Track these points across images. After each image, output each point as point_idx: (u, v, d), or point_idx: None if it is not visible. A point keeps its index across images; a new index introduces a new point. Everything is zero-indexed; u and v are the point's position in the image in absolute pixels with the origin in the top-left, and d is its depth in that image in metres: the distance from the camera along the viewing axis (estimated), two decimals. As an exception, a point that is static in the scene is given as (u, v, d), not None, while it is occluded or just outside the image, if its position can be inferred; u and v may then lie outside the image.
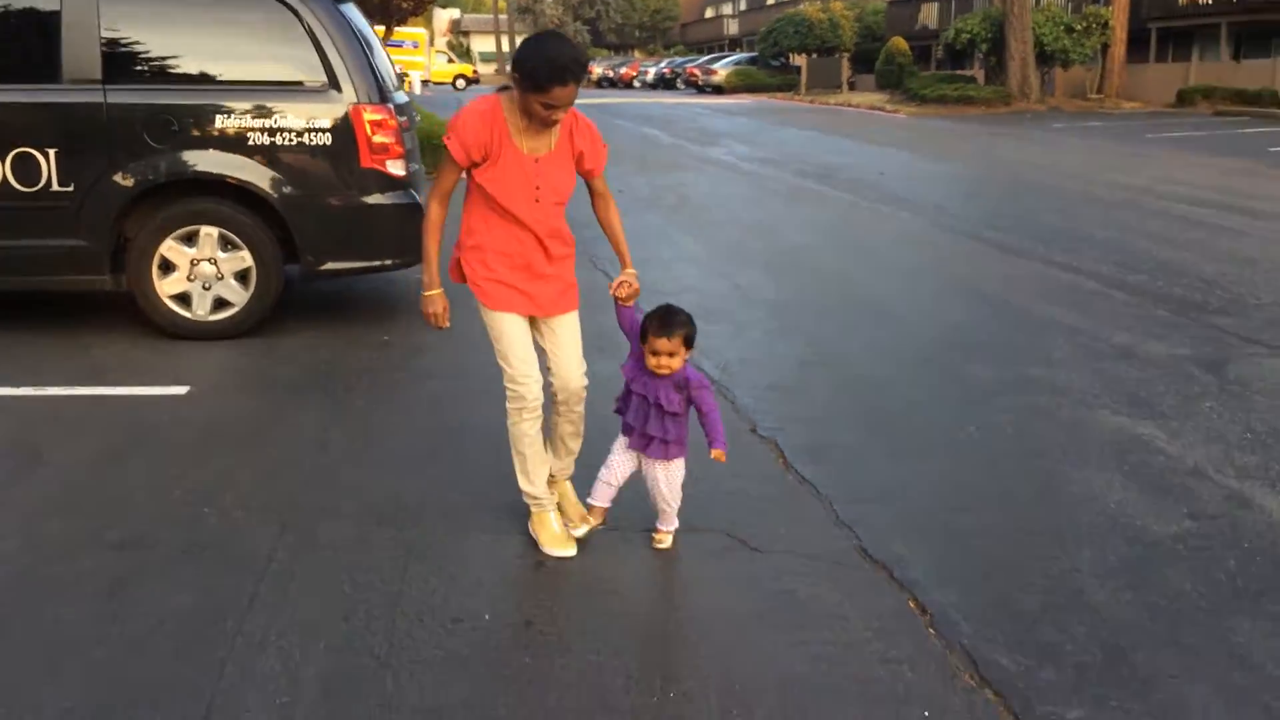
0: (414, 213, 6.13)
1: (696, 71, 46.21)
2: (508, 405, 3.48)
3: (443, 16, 79.36)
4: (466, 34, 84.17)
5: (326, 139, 5.82)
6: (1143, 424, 4.83)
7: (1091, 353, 5.93)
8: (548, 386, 3.50)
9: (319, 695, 2.74)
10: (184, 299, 5.86)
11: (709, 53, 58.22)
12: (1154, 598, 3.31)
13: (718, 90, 42.92)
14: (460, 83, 49.15)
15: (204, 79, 5.76)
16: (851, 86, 40.50)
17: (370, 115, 5.86)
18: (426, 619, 3.12)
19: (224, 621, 3.07)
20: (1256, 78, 27.07)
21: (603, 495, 3.57)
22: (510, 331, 3.42)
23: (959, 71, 34.87)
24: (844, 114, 28.87)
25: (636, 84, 53.88)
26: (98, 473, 4.13)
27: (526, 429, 3.49)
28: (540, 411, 3.49)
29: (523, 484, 3.58)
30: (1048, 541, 3.69)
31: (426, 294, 3.42)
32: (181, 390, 5.09)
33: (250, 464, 4.24)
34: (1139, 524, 3.82)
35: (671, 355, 3.30)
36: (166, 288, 5.81)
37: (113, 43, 5.62)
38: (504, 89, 3.31)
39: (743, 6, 65.89)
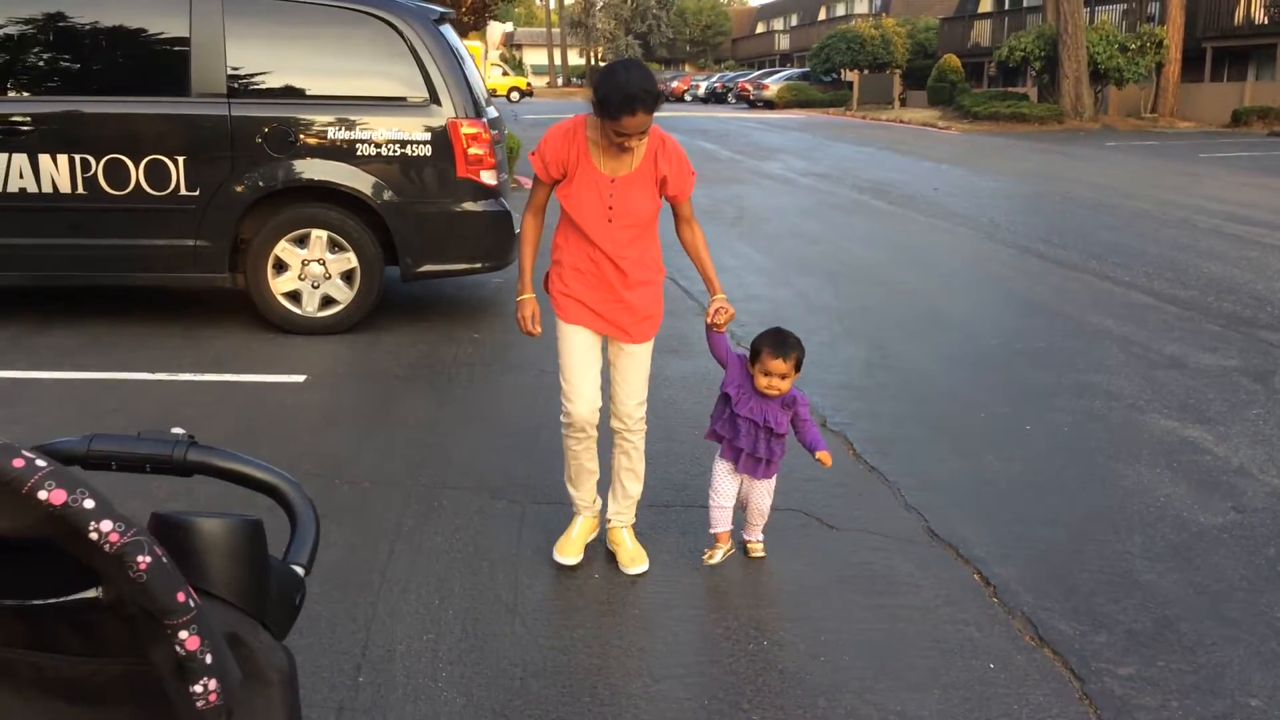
0: (503, 219, 6.59)
1: (748, 86, 46.62)
2: (561, 420, 3.57)
3: (496, 30, 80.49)
4: (519, 47, 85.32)
5: (426, 150, 6.29)
6: (1191, 427, 5.14)
7: (1144, 361, 6.24)
8: (605, 415, 3.59)
9: (459, 632, 3.16)
10: (295, 296, 6.35)
11: (760, 68, 58.67)
12: (1199, 578, 3.65)
13: (769, 105, 43.29)
14: (514, 95, 49.98)
15: (317, 94, 6.25)
16: (903, 103, 40.70)
17: (466, 129, 6.32)
18: (543, 575, 3.54)
19: (369, 572, 3.50)
20: (1314, 98, 26.98)
21: (723, 520, 3.59)
22: (574, 346, 3.47)
23: (1011, 89, 34.98)
24: (896, 130, 29.12)
25: (688, 98, 54.45)
26: (235, 447, 4.59)
27: (573, 445, 3.56)
28: (590, 434, 3.54)
29: (567, 483, 3.70)
30: (1101, 527, 4.03)
31: (519, 299, 3.50)
32: (299, 378, 5.57)
33: (371, 442, 4.69)
34: (1186, 515, 4.15)
35: (784, 377, 3.38)
36: (279, 286, 6.31)
37: (236, 61, 6.13)
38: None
39: (794, 22, 66.29)
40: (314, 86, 6.26)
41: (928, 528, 3.98)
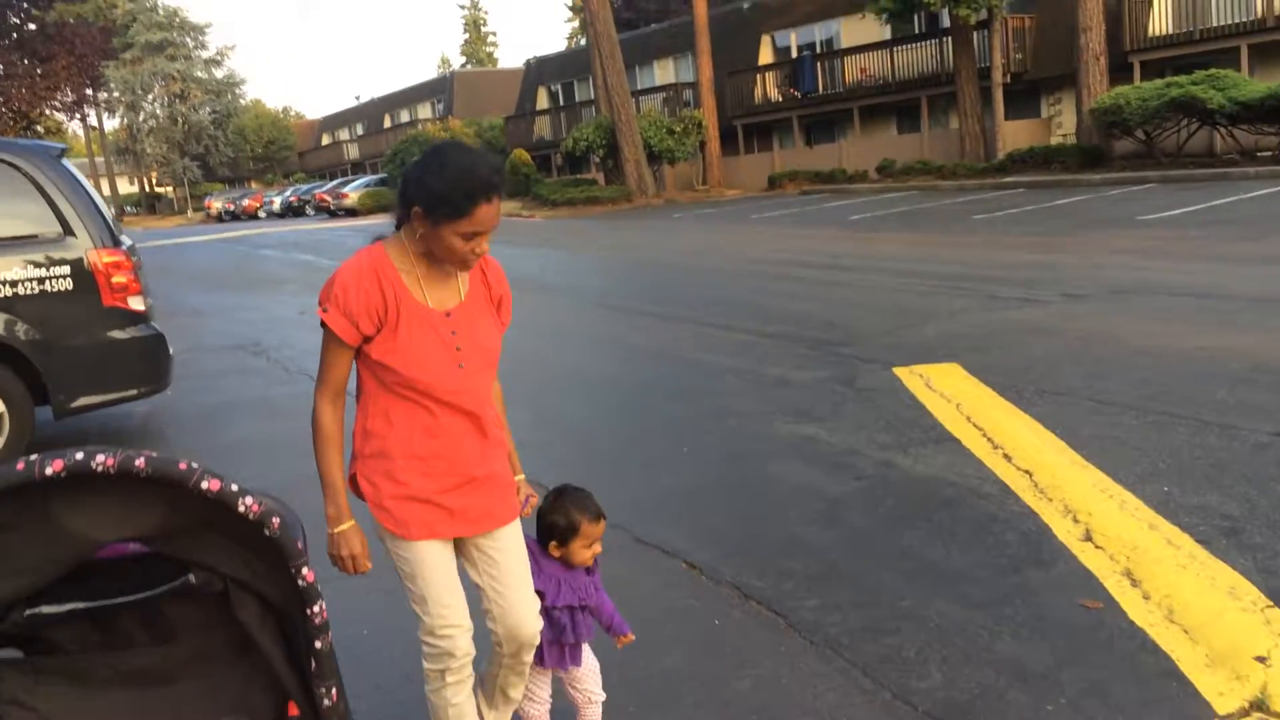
0: (157, 342, 6.63)
1: (326, 197, 46.55)
2: (426, 666, 2.67)
3: (33, 163, 74.08)
4: (62, 179, 78.97)
5: (68, 284, 6.20)
6: (807, 426, 6.28)
7: (758, 384, 7.42)
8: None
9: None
10: (-64, 453, 5.97)
11: (331, 178, 58.71)
12: (843, 530, 4.62)
13: (351, 213, 43.51)
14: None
15: (-60, 241, 5.99)
16: (482, 198, 42.48)
17: (107, 258, 6.32)
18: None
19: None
20: (827, 160, 31.69)
21: None
22: (431, 565, 2.58)
23: (580, 176, 37.84)
24: (484, 223, 30.46)
25: (262, 214, 53.29)
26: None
27: (451, 695, 2.67)
28: (472, 668, 2.71)
29: None
30: (763, 509, 4.93)
31: (335, 531, 2.51)
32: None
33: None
34: (821, 488, 5.17)
35: (600, 538, 2.91)
36: (-84, 447, 5.91)
37: None
38: (380, 238, 2.60)
39: (360, 131, 66.94)
40: (-63, 233, 6.00)
41: (634, 537, 4.67)
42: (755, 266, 14.19)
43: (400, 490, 2.54)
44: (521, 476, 2.85)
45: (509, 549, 2.67)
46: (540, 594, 2.79)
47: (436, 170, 2.41)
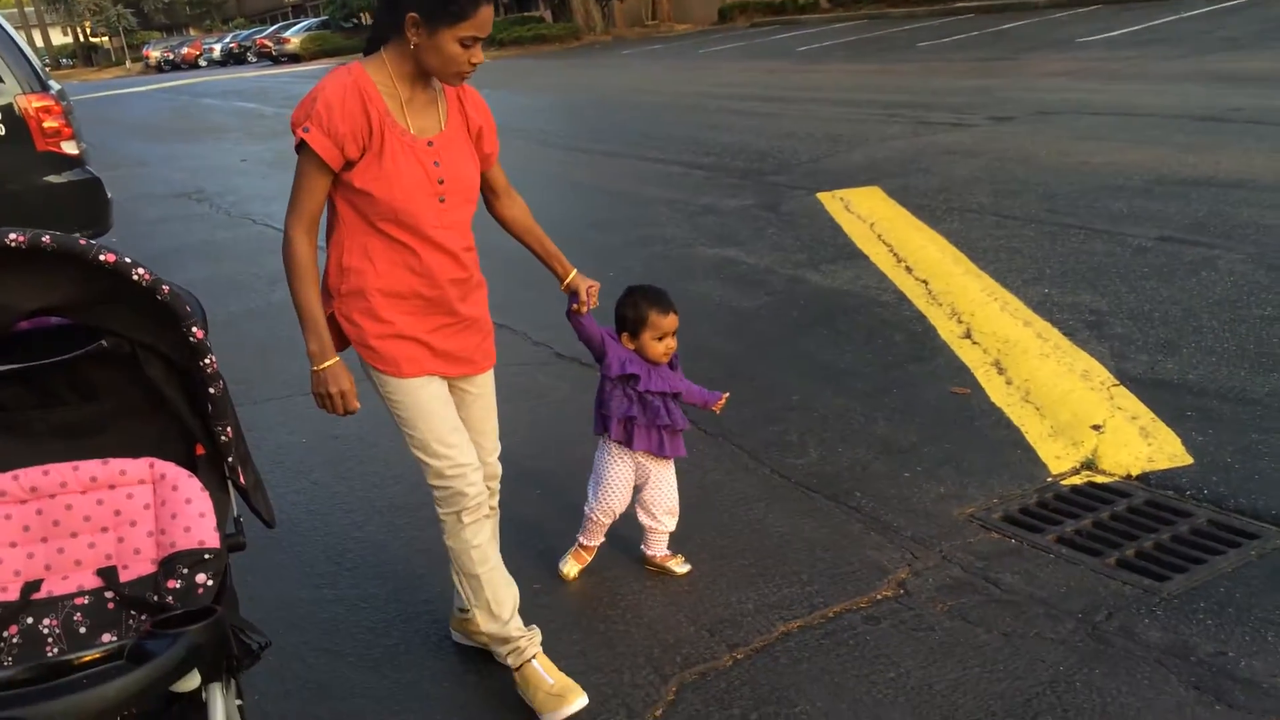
0: (93, 186, 6.77)
1: (268, 42, 45.15)
2: (440, 512, 2.55)
3: (-43, 15, 70.86)
4: (-11, 32, 75.68)
5: (-1, 130, 6.30)
6: (729, 250, 6.59)
7: (686, 212, 7.69)
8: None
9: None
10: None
11: (273, 22, 56.59)
12: (749, 340, 4.99)
13: (294, 59, 42.29)
14: None
15: None
16: (429, 39, 41.39)
17: (36, 103, 6.39)
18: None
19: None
20: (779, -10, 31.05)
21: (598, 533, 3.15)
22: (429, 406, 2.46)
23: (527, 13, 36.89)
24: (430, 66, 29.88)
25: (203, 63, 51.54)
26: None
27: (471, 537, 2.55)
28: (487, 507, 2.60)
29: (486, 624, 2.61)
30: (693, 321, 5.26)
31: (319, 368, 2.35)
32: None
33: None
34: (735, 304, 5.52)
35: (675, 332, 2.94)
36: None
37: None
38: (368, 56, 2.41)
39: (300, -30, 64.35)
40: None
41: (555, 352, 5.03)
42: (698, 100, 14.25)
43: (386, 329, 2.40)
44: (575, 272, 2.83)
45: (481, 394, 2.64)
46: (635, 377, 2.89)
47: None
